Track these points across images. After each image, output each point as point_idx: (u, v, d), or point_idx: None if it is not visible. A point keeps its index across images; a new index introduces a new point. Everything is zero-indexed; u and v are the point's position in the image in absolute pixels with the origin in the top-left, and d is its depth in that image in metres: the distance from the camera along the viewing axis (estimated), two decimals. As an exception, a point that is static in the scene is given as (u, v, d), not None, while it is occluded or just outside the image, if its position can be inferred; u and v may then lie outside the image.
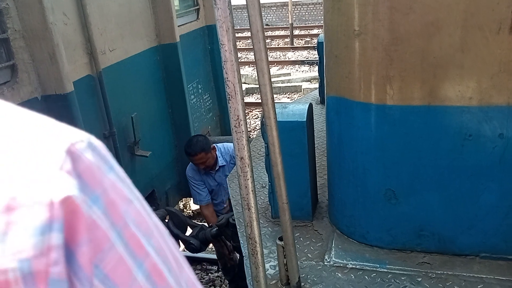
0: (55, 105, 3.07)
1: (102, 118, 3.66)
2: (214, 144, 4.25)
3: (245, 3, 1.52)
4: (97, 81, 3.56)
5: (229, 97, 1.37)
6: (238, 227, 2.63)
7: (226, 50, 1.31)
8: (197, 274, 5.52)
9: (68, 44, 3.24)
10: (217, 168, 4.23)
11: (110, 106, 3.66)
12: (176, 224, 4.19)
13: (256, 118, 9.60)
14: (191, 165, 4.31)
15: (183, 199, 6.13)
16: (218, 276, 5.25)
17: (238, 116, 1.38)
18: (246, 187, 1.45)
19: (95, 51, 3.51)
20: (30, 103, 2.95)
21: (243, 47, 16.21)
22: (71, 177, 0.35)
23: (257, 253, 1.55)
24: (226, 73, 1.34)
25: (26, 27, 2.90)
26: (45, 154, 0.35)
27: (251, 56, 15.12)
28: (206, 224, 5.02)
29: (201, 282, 5.39)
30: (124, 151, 3.92)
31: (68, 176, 0.35)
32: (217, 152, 4.22)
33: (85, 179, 0.36)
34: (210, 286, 4.94)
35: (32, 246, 0.32)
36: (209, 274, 5.35)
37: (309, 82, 11.88)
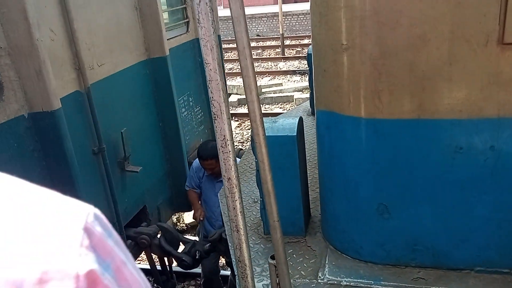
0: (42, 123, 3.02)
1: (91, 134, 3.60)
2: None
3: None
4: (85, 96, 3.52)
5: (215, 117, 1.34)
6: (230, 244, 2.58)
7: (211, 69, 1.29)
8: (191, 289, 5.44)
9: (55, 60, 3.19)
10: (221, 178, 4.13)
11: (99, 121, 3.61)
12: (168, 241, 4.13)
13: (249, 129, 9.58)
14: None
15: (176, 213, 6.05)
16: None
17: (224, 136, 1.35)
18: (234, 208, 1.42)
19: (83, 66, 3.46)
20: (16, 121, 2.90)
21: (235, 57, 16.25)
22: (90, 252, 0.42)
23: (247, 276, 1.51)
24: (212, 93, 1.31)
25: (11, 44, 2.86)
26: (66, 231, 0.42)
27: (242, 67, 15.12)
28: (197, 238, 4.97)
29: (195, 297, 5.30)
30: (114, 167, 3.87)
31: (87, 251, 0.42)
32: None
33: (98, 251, 0.43)
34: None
35: None
36: (203, 289, 5.25)
37: (301, 92, 11.90)
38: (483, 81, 1.86)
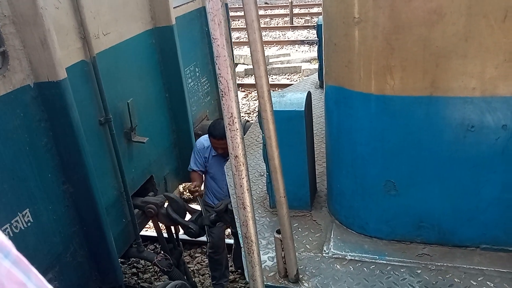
0: (48, 93, 2.99)
1: (97, 104, 3.58)
2: None
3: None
4: (91, 66, 3.47)
5: (222, 94, 1.31)
6: (236, 217, 2.60)
7: (218, 45, 1.25)
8: (197, 257, 5.55)
9: (60, 29, 3.14)
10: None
11: (105, 91, 3.57)
12: (174, 210, 4.18)
13: (256, 100, 9.51)
14: (206, 140, 4.21)
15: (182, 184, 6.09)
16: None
17: (232, 113, 1.32)
18: (241, 186, 1.41)
19: (89, 35, 3.40)
20: (22, 91, 2.88)
21: (243, 26, 15.95)
22: None
23: (253, 252, 1.52)
24: (219, 69, 1.28)
25: (16, 13, 2.80)
26: None
27: (250, 36, 14.88)
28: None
29: (201, 265, 5.41)
30: (120, 138, 3.86)
31: None
32: None
33: None
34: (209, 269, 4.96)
35: None
36: (209, 258, 5.34)
37: (309, 63, 11.74)
38: (498, 59, 1.80)
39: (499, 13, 1.71)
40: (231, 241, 5.13)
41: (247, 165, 1.41)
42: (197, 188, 4.22)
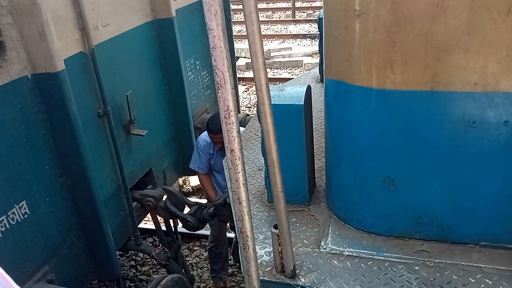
0: (46, 84, 2.97)
1: (96, 96, 3.55)
2: None
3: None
4: (89, 58, 3.44)
5: (218, 86, 1.28)
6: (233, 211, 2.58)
7: (214, 36, 1.22)
8: (195, 250, 5.54)
9: (59, 20, 3.10)
10: None
11: (104, 84, 3.55)
12: (173, 203, 4.17)
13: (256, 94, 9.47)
14: (207, 136, 4.18)
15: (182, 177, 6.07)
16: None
17: (228, 106, 1.30)
18: (237, 180, 1.39)
19: (87, 26, 3.37)
20: (19, 82, 2.85)
21: (242, 19, 15.86)
22: None
23: (248, 247, 1.50)
24: (215, 61, 1.25)
25: (13, 3, 2.76)
26: None
27: (251, 29, 14.78)
28: (203, 201, 5.01)
29: (200, 258, 5.41)
30: (119, 130, 3.84)
31: None
32: None
33: None
34: (209, 263, 4.95)
35: None
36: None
37: (310, 57, 11.67)
38: (501, 53, 1.77)
39: (503, 7, 1.68)
40: (232, 235, 5.13)
41: (243, 159, 1.39)
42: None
